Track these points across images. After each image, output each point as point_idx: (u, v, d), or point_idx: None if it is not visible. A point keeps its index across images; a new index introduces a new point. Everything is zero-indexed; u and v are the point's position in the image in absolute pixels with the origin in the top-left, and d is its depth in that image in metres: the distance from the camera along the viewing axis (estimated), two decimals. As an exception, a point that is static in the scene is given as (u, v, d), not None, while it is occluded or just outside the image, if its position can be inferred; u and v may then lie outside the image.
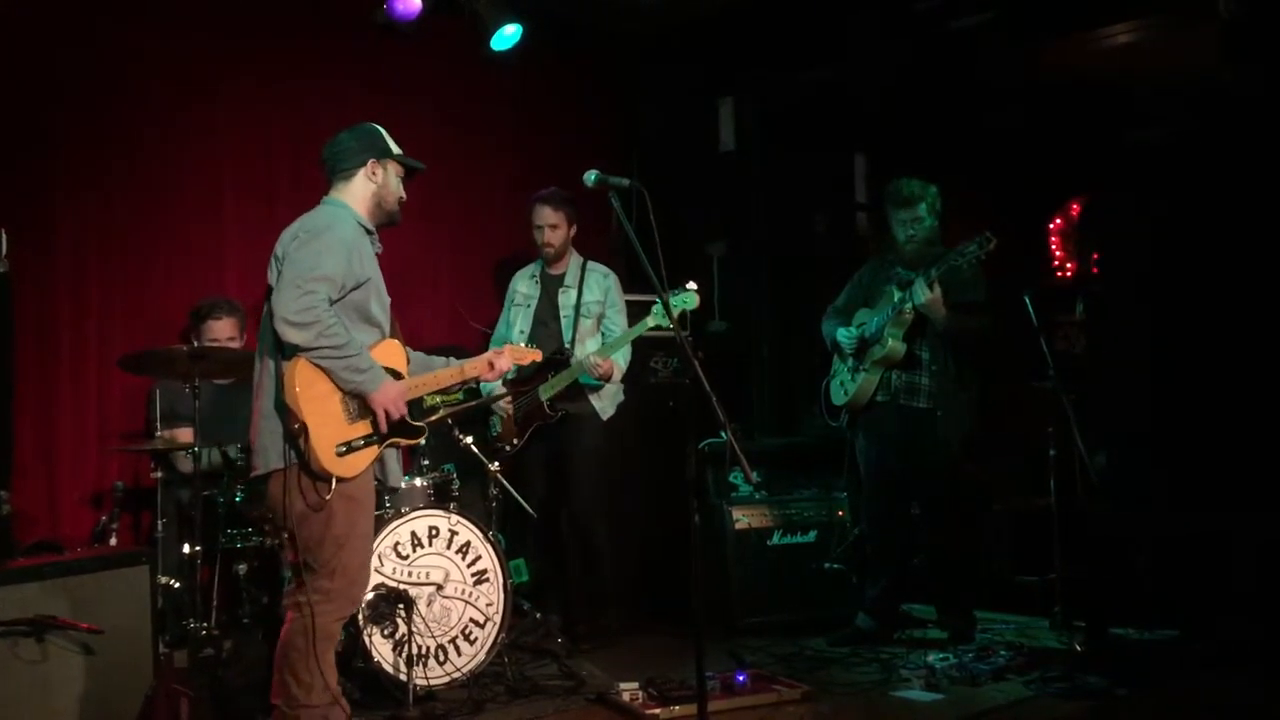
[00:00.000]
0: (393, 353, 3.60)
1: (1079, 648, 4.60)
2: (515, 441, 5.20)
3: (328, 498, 3.36)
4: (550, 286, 5.37)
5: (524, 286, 5.45)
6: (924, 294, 4.83)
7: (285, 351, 3.35)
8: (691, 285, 4.75)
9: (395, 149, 3.66)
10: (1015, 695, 4.23)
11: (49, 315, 4.78)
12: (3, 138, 4.69)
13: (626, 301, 5.42)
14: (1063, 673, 4.37)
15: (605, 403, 5.26)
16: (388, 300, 3.63)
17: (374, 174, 3.61)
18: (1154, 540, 5.24)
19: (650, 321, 4.84)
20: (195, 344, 4.67)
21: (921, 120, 6.42)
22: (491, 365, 3.88)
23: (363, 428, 3.43)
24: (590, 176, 3.50)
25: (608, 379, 5.15)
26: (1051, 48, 5.99)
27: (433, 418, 4.72)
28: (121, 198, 5.00)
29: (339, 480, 3.36)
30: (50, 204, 4.80)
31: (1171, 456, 5.50)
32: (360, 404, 3.42)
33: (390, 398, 3.45)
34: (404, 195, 3.69)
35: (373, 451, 3.46)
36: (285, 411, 3.33)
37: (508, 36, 5.80)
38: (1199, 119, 5.79)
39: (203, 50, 5.23)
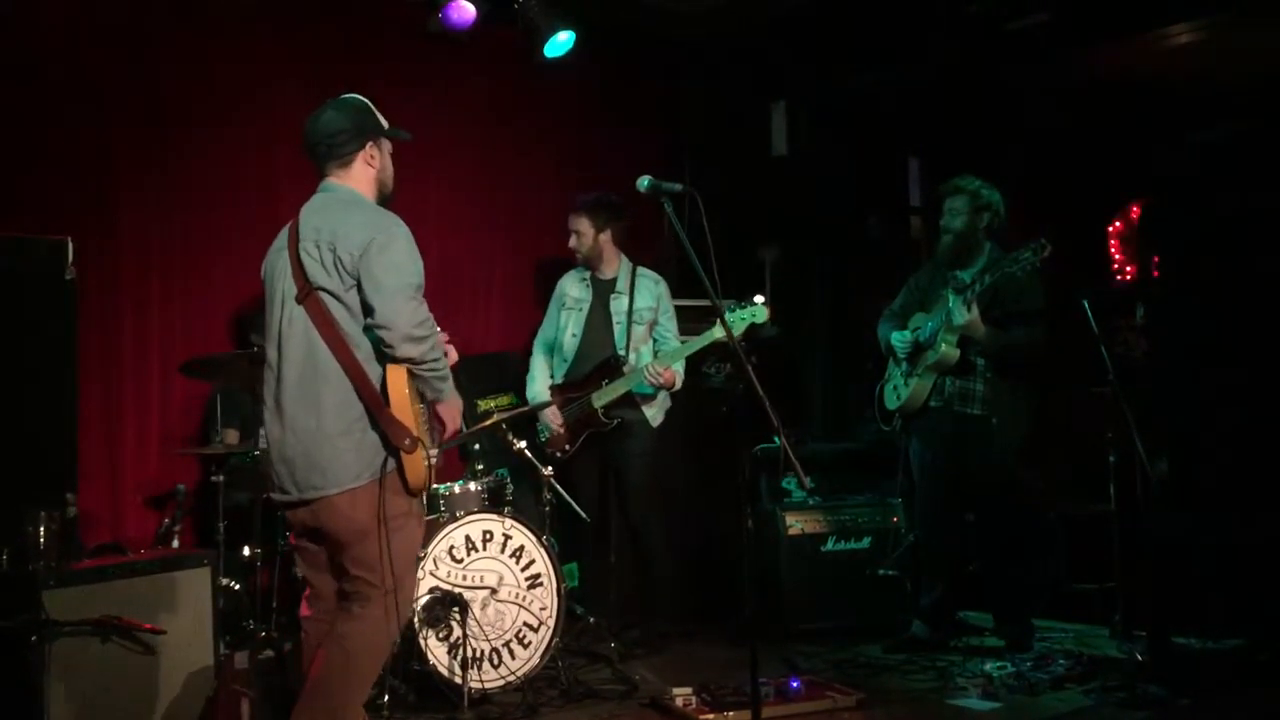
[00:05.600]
0: None
1: (1140, 656, 4.52)
2: (567, 448, 5.23)
3: (415, 512, 3.24)
4: (602, 291, 5.38)
5: (574, 290, 5.44)
6: (962, 314, 4.77)
7: (379, 361, 3.14)
8: (759, 299, 4.72)
9: (385, 123, 3.37)
10: (1074, 704, 4.18)
11: (113, 321, 4.87)
12: (68, 149, 4.80)
13: (691, 307, 5.44)
14: (1123, 682, 4.30)
15: (655, 410, 5.28)
16: None
17: (373, 157, 3.30)
18: (1217, 547, 5.15)
19: (717, 333, 4.81)
20: (256, 349, 4.73)
21: (976, 122, 6.36)
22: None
23: (427, 438, 3.27)
24: (643, 182, 3.51)
25: (670, 388, 5.16)
26: (1109, 48, 5.92)
27: (486, 423, 4.78)
28: (182, 207, 5.08)
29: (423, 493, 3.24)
30: (114, 213, 4.89)
31: (1234, 461, 5.42)
32: (428, 413, 3.29)
33: (459, 408, 3.37)
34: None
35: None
36: (391, 425, 3.09)
37: (561, 43, 5.82)
38: (1262, 119, 5.71)
39: (258, 61, 5.31)
